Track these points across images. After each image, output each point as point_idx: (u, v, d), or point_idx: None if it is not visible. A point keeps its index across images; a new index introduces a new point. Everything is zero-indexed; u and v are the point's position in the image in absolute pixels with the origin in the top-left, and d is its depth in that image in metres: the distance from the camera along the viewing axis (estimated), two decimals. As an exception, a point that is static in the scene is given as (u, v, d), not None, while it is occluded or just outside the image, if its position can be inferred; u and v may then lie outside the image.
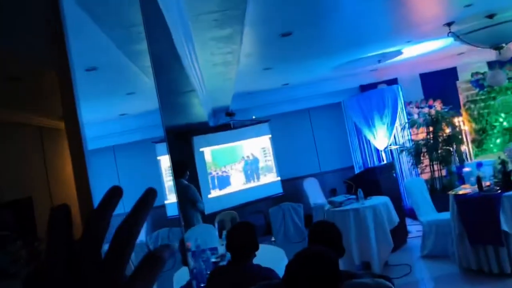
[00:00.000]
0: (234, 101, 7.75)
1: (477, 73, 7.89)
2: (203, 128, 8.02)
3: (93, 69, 3.64)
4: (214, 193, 7.73)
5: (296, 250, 1.91)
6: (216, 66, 3.80)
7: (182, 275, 3.71)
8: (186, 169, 5.75)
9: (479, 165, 6.22)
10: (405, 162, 7.88)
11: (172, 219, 6.58)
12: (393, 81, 8.43)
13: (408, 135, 7.83)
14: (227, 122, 8.29)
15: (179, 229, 5.36)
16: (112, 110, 6.29)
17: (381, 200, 5.37)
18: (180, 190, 5.50)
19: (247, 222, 2.88)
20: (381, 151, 8.08)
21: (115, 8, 1.80)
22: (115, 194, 0.45)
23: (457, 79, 8.40)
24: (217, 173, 7.89)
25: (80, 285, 0.40)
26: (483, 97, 7.88)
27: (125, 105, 5.94)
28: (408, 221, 7.05)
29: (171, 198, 6.71)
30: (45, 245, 0.43)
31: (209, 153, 7.82)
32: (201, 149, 7.66)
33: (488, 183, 4.82)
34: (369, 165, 8.33)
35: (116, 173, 8.04)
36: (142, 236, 7.47)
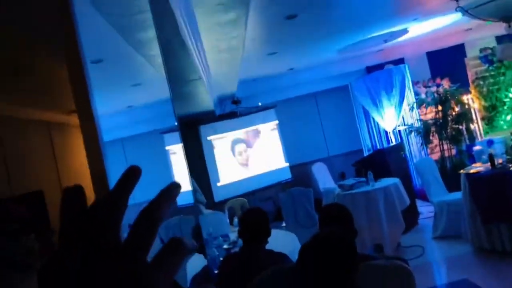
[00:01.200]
0: (240, 88, 7.72)
1: (486, 48, 7.77)
2: (210, 117, 8.01)
3: (99, 61, 3.62)
4: (224, 181, 7.74)
5: (307, 235, 1.89)
6: (222, 52, 3.77)
7: (195, 262, 3.73)
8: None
9: (490, 142, 6.17)
10: (414, 142, 7.83)
11: (182, 208, 6.63)
12: (399, 61, 8.34)
13: (416, 115, 7.76)
14: (234, 110, 8.26)
15: (190, 218, 5.38)
16: (119, 103, 6.30)
17: (391, 182, 5.35)
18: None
19: (259, 208, 2.87)
20: (389, 132, 8.03)
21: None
22: (133, 173, 0.42)
23: (465, 56, 8.29)
24: (228, 162, 7.89)
25: (96, 270, 0.37)
26: (492, 73, 7.77)
27: (132, 97, 5.95)
28: (419, 202, 7.02)
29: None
30: (59, 226, 0.40)
31: (217, 140, 7.81)
32: (208, 138, 7.66)
33: (500, 160, 4.77)
34: (378, 147, 8.28)
35: (126, 165, 8.09)
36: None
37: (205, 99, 5.33)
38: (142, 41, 2.30)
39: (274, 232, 2.90)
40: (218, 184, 7.63)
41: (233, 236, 4.25)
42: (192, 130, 7.61)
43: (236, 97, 8.08)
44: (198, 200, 5.84)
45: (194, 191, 5.56)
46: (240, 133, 8.13)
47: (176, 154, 6.96)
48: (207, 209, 6.18)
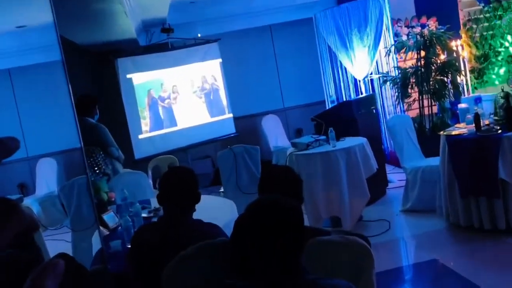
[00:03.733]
0: (173, 12, 7.47)
1: (483, -17, 7.91)
2: (131, 48, 7.74)
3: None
4: (148, 132, 7.60)
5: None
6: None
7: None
8: (94, 105, 5.47)
9: (478, 100, 6.40)
10: (389, 95, 7.98)
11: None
12: (378, -8, 8.36)
13: (393, 62, 7.88)
14: (164, 41, 8.04)
15: (103, 179, 5.26)
16: (5, 20, 5.89)
17: (357, 142, 5.45)
18: (84, 131, 5.21)
19: (186, 167, 2.84)
20: (359, 81, 8.14)
21: None
22: None
23: (458, -8, 8.43)
24: (153, 107, 7.72)
25: None
26: (487, 15, 7.96)
27: (23, 14, 5.57)
28: (389, 168, 7.25)
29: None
30: None
31: (140, 80, 7.59)
32: (128, 76, 7.45)
33: (487, 122, 4.97)
34: (344, 99, 8.39)
35: (15, 105, 7.71)
36: (53, 187, 7.30)
37: (124, 24, 5.10)
38: None
39: (207, 198, 2.89)
40: (140, 137, 7.51)
41: (156, 202, 4.21)
42: (106, 64, 7.34)
43: (168, 24, 7.83)
44: (112, 155, 5.72)
45: (96, 145, 5.36)
46: (171, 72, 7.95)
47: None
48: (125, 168, 6.10)
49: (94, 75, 7.35)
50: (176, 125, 7.94)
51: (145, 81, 7.68)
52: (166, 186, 2.67)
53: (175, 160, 6.60)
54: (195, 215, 2.71)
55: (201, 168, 8.32)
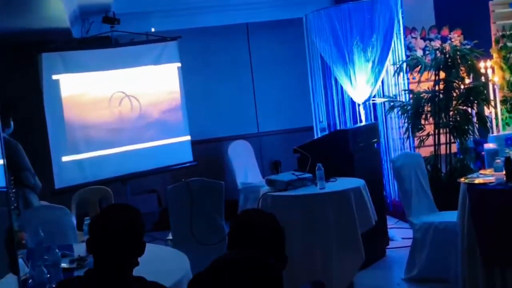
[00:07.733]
0: (120, -2, 7.52)
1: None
2: (62, 40, 7.69)
3: None
4: (75, 153, 7.55)
5: (209, 257, 1.89)
6: None
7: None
8: (8, 114, 5.46)
9: (510, 140, 6.51)
10: (395, 125, 8.05)
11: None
12: (390, -8, 8.50)
13: (404, 83, 7.98)
14: (105, 34, 8.02)
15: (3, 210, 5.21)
16: None
17: (353, 185, 5.47)
18: None
19: (128, 205, 2.80)
20: (359, 105, 8.19)
21: None
22: None
23: (491, -1, 8.60)
24: (84, 122, 7.66)
25: None
26: (527, 31, 8.11)
27: None
28: (391, 221, 7.27)
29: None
30: None
31: (70, 83, 7.53)
32: (55, 77, 7.44)
33: (521, 169, 5.03)
34: (338, 127, 8.43)
35: None
36: None
37: (54, 8, 5.09)
38: None
39: (150, 248, 2.87)
40: (65, 159, 7.47)
41: (81, 249, 4.17)
42: (26, 60, 7.28)
43: (113, 12, 7.83)
44: (26, 182, 5.67)
45: (8, 166, 5.34)
46: (113, 76, 7.93)
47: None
48: (41, 200, 6.02)
49: (10, 74, 7.29)
50: (113, 146, 7.87)
51: (77, 85, 7.63)
52: (100, 231, 2.64)
53: (109, 193, 6.56)
54: (134, 271, 2.68)
55: (144, 205, 8.21)
